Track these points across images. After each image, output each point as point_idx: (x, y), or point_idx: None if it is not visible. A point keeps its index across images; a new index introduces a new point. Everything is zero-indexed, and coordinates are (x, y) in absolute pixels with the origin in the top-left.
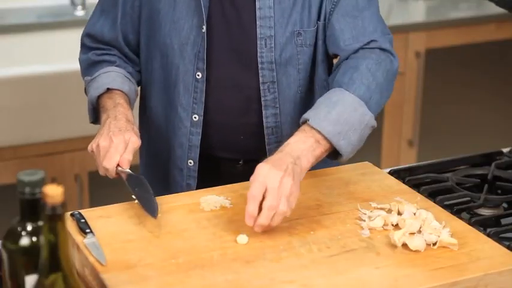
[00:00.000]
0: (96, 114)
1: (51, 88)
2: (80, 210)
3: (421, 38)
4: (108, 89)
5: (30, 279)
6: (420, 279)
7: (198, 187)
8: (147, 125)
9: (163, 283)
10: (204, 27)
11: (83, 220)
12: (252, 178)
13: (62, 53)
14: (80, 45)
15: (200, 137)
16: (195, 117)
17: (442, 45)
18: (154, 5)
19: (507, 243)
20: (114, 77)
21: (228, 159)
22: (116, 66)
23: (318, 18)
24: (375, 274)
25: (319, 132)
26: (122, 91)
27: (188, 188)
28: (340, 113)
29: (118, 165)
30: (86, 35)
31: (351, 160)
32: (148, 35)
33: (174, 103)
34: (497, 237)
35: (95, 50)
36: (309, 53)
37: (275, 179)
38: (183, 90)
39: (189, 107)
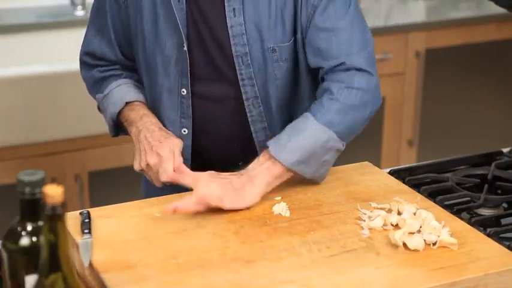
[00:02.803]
0: (117, 128)
1: (51, 88)
2: (85, 210)
3: (421, 38)
4: (127, 103)
5: (30, 279)
6: (420, 279)
7: None
8: None
9: (163, 283)
10: (185, 45)
11: (87, 220)
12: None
13: (61, 53)
14: (79, 63)
15: (191, 150)
16: (184, 131)
17: (442, 45)
18: (139, 24)
19: (507, 243)
20: (128, 89)
21: (221, 166)
22: (124, 78)
23: (295, 32)
24: (375, 274)
25: (276, 160)
26: (140, 101)
27: None
28: (301, 141)
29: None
30: (85, 54)
31: (351, 160)
32: (136, 53)
33: (161, 119)
34: (497, 237)
35: (97, 67)
36: (286, 67)
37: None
38: (170, 107)
39: (176, 122)
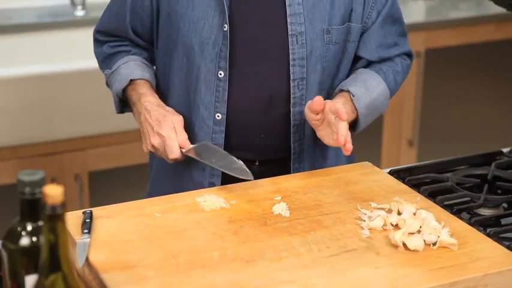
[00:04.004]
0: (122, 105)
1: (51, 88)
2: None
3: (421, 38)
4: (131, 80)
5: (30, 279)
6: (420, 279)
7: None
8: None
9: (163, 283)
10: (226, 25)
11: (88, 220)
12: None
13: (61, 53)
14: (92, 41)
15: (224, 135)
16: (218, 116)
17: (442, 45)
18: (173, 6)
19: (507, 243)
20: (134, 66)
21: (244, 160)
22: (132, 54)
23: (349, 20)
24: (374, 274)
25: (355, 109)
26: (144, 79)
27: (211, 187)
28: (375, 100)
29: (181, 148)
30: (97, 32)
31: (351, 160)
32: (167, 37)
33: (195, 103)
34: (497, 237)
35: (108, 42)
36: (335, 51)
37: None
38: (205, 90)
39: (211, 106)
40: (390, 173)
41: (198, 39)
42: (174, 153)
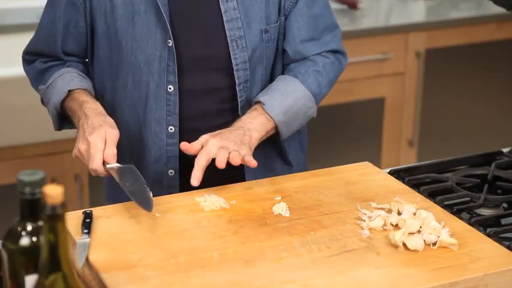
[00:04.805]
0: (61, 120)
1: None
2: (89, 209)
3: (421, 38)
4: (70, 91)
5: (30, 279)
6: (420, 279)
7: None
8: None
9: (163, 283)
10: (171, 41)
11: (88, 220)
12: (202, 142)
13: None
14: (22, 62)
15: (178, 147)
16: (171, 129)
17: (442, 45)
18: (111, 24)
19: (507, 243)
20: (71, 78)
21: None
22: (67, 67)
23: (278, 14)
24: (374, 274)
25: (270, 117)
26: (82, 89)
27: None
28: (292, 105)
29: (105, 162)
30: (26, 53)
31: (351, 160)
32: (109, 55)
33: (147, 119)
34: (497, 237)
35: (40, 58)
36: (273, 47)
37: (221, 144)
38: (156, 105)
39: (163, 120)
40: (390, 173)
41: (143, 56)
42: (95, 164)
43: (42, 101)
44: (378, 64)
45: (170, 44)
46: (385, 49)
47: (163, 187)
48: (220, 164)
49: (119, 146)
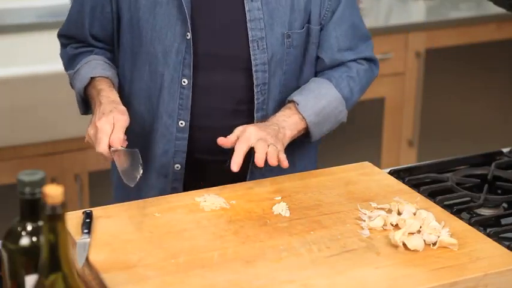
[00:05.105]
0: (85, 104)
1: (51, 88)
2: (89, 209)
3: (421, 38)
4: (92, 78)
5: (30, 279)
6: (420, 279)
7: (185, 190)
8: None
9: (163, 283)
10: (189, 34)
11: (88, 220)
12: (237, 134)
13: None
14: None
15: (187, 142)
16: (181, 123)
17: (442, 45)
18: (135, 13)
19: (507, 243)
20: (95, 65)
21: (214, 161)
22: (95, 54)
23: (308, 21)
24: (374, 274)
25: (303, 117)
26: (104, 77)
27: (174, 192)
28: (324, 107)
29: (111, 146)
30: (59, 36)
31: (351, 160)
32: (131, 43)
33: (158, 111)
34: (497, 237)
35: (71, 44)
36: (295, 54)
37: (260, 134)
38: (168, 98)
39: (174, 113)
40: (390, 173)
41: (161, 47)
42: (101, 147)
43: (71, 85)
44: None
45: (188, 37)
46: (385, 49)
47: (168, 180)
48: (260, 162)
49: (129, 135)
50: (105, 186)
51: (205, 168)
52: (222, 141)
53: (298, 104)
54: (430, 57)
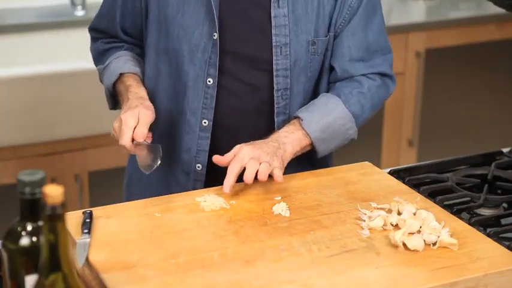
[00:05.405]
0: (114, 99)
1: (51, 88)
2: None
3: (421, 38)
4: (121, 74)
5: (30, 279)
6: (420, 279)
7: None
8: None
9: (163, 283)
10: (216, 34)
11: (88, 220)
12: (230, 155)
13: (62, 53)
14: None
15: (209, 142)
16: (204, 122)
17: (442, 45)
18: (163, 9)
19: (507, 243)
20: (125, 61)
21: None
22: (125, 50)
23: (328, 29)
24: (374, 274)
25: (307, 133)
26: (132, 73)
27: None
28: (331, 123)
29: (134, 140)
30: (91, 29)
31: (351, 160)
32: (157, 39)
33: (182, 108)
34: (497, 237)
35: (102, 39)
36: (319, 61)
37: (253, 153)
38: (193, 96)
39: (198, 112)
40: (390, 173)
41: (188, 45)
42: (124, 140)
43: (100, 80)
44: None
45: (215, 37)
46: None
47: (189, 179)
48: (248, 179)
49: (154, 132)
50: (105, 186)
51: (226, 168)
52: (217, 159)
53: (302, 120)
54: (430, 57)
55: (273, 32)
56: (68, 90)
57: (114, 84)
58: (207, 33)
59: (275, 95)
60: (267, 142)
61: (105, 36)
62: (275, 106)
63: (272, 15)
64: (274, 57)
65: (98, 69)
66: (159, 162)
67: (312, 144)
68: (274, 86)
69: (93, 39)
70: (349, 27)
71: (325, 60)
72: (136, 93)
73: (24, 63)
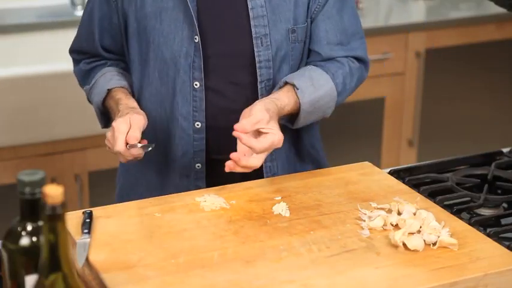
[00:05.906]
0: (105, 117)
1: (50, 88)
2: (89, 209)
3: (421, 38)
4: (109, 90)
5: (30, 279)
6: (420, 279)
7: (207, 187)
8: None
9: (163, 283)
10: (197, 37)
11: (88, 220)
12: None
13: (62, 53)
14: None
15: (205, 141)
16: (197, 125)
17: (442, 45)
18: (141, 21)
19: (507, 243)
20: (111, 76)
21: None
22: (109, 66)
23: (306, 16)
24: (374, 274)
25: (299, 103)
26: (120, 87)
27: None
28: (319, 99)
29: (128, 145)
30: (71, 52)
31: (351, 160)
32: (139, 51)
33: (173, 115)
34: (497, 237)
35: (84, 59)
36: (300, 49)
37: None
38: (182, 101)
39: (189, 116)
40: (390, 173)
41: (170, 52)
42: (117, 146)
43: (89, 100)
44: (378, 64)
45: (196, 40)
46: (385, 49)
47: (190, 180)
48: (233, 162)
49: (148, 140)
50: (105, 186)
51: (223, 166)
52: (237, 133)
53: (298, 89)
54: (430, 57)
55: (252, 23)
56: (68, 90)
57: (104, 101)
58: (188, 37)
59: (259, 86)
60: (272, 101)
61: (87, 57)
62: (259, 98)
63: (249, 7)
64: (255, 49)
65: (85, 90)
66: (150, 149)
67: (297, 114)
68: (258, 78)
69: (75, 61)
70: (324, 11)
71: (305, 47)
72: (126, 104)
73: (24, 63)
